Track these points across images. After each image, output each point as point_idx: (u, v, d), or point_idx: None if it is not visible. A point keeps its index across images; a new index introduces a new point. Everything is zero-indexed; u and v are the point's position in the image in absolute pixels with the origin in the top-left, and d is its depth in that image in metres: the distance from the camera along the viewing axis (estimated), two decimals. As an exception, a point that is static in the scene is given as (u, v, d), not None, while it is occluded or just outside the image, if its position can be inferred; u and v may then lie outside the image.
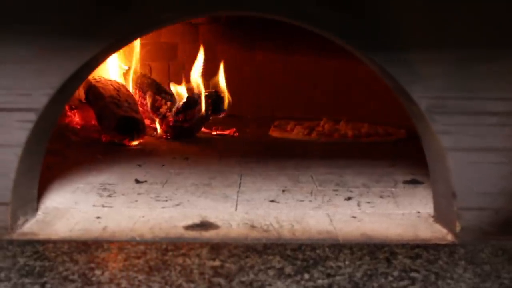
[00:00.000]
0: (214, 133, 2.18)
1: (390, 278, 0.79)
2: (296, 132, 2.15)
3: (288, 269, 0.82)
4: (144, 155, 1.73)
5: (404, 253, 0.89)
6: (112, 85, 2.13)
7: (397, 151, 1.89)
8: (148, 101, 2.12)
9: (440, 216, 1.05)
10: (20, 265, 0.83)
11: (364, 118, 2.28)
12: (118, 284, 0.76)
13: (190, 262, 0.85)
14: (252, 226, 1.02)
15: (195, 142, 2.02)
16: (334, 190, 1.28)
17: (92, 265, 0.83)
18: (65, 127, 1.91)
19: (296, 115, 2.44)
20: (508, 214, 0.97)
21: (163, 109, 2.08)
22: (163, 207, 1.14)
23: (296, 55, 2.64)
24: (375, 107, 2.42)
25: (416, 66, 0.96)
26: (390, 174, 1.44)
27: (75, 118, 2.07)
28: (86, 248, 0.90)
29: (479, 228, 0.96)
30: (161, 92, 2.14)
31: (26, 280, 0.77)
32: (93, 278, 0.78)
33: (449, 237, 0.98)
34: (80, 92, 2.15)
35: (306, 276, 0.80)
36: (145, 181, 1.36)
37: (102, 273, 0.80)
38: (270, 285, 0.77)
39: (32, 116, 0.96)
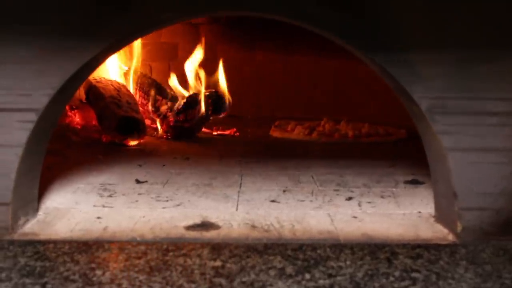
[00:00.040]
0: (214, 133, 2.18)
1: (391, 279, 0.79)
2: (296, 132, 2.15)
3: (289, 269, 0.82)
4: (145, 155, 1.73)
5: (405, 253, 0.89)
6: (112, 85, 2.13)
7: (398, 151, 1.89)
8: (150, 101, 2.12)
9: (441, 216, 1.05)
10: (21, 265, 0.83)
11: (365, 118, 2.28)
12: (119, 285, 0.76)
13: (191, 262, 0.85)
14: (253, 226, 1.02)
15: (195, 142, 2.02)
16: (335, 190, 1.28)
17: (93, 265, 0.83)
18: (65, 127, 1.91)
19: (296, 115, 2.44)
20: (509, 214, 0.97)
21: (163, 109, 2.08)
22: (163, 207, 1.14)
23: (296, 55, 2.64)
24: (375, 107, 2.42)
25: (416, 67, 0.96)
26: (391, 174, 1.44)
27: (76, 118, 2.07)
28: (87, 248, 0.90)
29: (480, 228, 0.96)
30: (161, 92, 2.14)
31: (27, 280, 0.77)
32: (94, 279, 0.78)
33: (450, 237, 0.98)
34: (81, 92, 2.15)
35: (307, 276, 0.80)
36: (146, 181, 1.36)
37: (103, 274, 0.80)
38: (271, 285, 0.77)
39: (33, 116, 0.96)
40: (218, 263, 0.84)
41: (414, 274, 0.81)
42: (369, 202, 1.19)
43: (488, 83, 0.96)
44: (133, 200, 1.19)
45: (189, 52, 2.19)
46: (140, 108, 2.09)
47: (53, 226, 1.01)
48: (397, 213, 1.11)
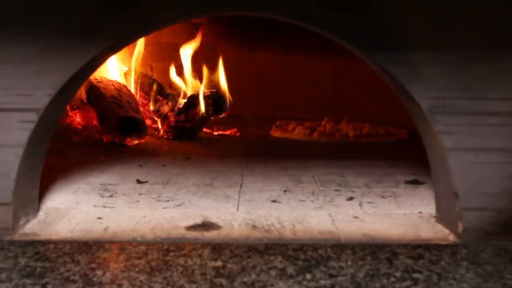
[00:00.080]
0: (215, 133, 2.18)
1: (392, 279, 0.79)
2: (297, 132, 2.15)
3: (290, 270, 0.82)
4: (145, 155, 1.73)
5: (406, 253, 0.89)
6: (113, 85, 2.14)
7: (398, 151, 1.89)
8: (151, 101, 2.12)
9: (442, 216, 1.05)
10: (21, 266, 0.83)
11: (365, 118, 2.28)
12: (120, 285, 0.76)
13: (191, 262, 0.85)
14: (254, 226, 1.02)
15: (196, 142, 2.02)
16: (336, 190, 1.28)
17: (94, 265, 0.83)
18: (66, 127, 1.91)
19: (296, 115, 2.44)
20: (510, 214, 0.96)
21: (164, 109, 2.08)
22: (164, 208, 1.14)
23: (296, 55, 2.64)
24: (376, 107, 2.42)
25: (416, 66, 0.96)
26: (392, 174, 1.44)
27: (76, 118, 2.07)
28: (87, 249, 0.90)
29: (481, 229, 0.96)
30: (162, 92, 2.14)
31: (27, 281, 0.77)
32: (95, 279, 0.78)
33: (451, 238, 0.97)
34: (82, 92, 2.15)
35: (308, 276, 0.80)
36: (147, 182, 1.36)
37: (104, 274, 0.80)
38: (272, 285, 0.77)
39: (33, 117, 0.96)
40: (219, 263, 0.84)
41: (415, 275, 0.81)
42: (370, 202, 1.18)
43: (488, 83, 0.96)
44: (134, 200, 1.19)
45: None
46: (141, 108, 2.09)
47: (53, 227, 1.01)
48: (397, 213, 1.11)
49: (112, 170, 1.48)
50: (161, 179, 1.38)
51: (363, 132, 2.11)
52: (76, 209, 1.12)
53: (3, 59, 0.96)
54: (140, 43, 2.30)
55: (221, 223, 1.04)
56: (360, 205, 1.17)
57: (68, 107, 2.01)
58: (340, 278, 0.79)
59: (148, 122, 2.08)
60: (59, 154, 1.58)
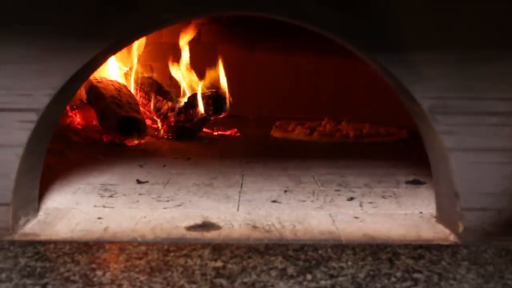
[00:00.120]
0: (215, 133, 2.18)
1: (393, 279, 0.79)
2: (297, 133, 2.15)
3: (291, 270, 0.82)
4: (146, 155, 1.73)
5: (406, 253, 0.89)
6: (113, 86, 2.13)
7: (399, 151, 1.89)
8: (151, 101, 2.11)
9: (443, 216, 1.05)
10: (21, 266, 0.82)
11: (366, 118, 2.27)
12: (120, 285, 0.76)
13: (192, 263, 0.85)
14: (254, 227, 1.02)
15: (196, 142, 2.02)
16: (336, 191, 1.28)
17: (94, 266, 0.83)
18: (66, 128, 1.91)
19: (296, 115, 2.44)
20: (511, 215, 0.96)
21: (164, 109, 2.07)
22: (164, 208, 1.14)
23: (296, 55, 2.64)
24: (375, 107, 2.41)
25: (417, 66, 0.96)
26: (392, 175, 1.44)
27: (76, 118, 2.07)
28: (87, 249, 0.90)
29: (482, 229, 0.96)
30: (162, 92, 2.14)
31: (27, 281, 0.77)
32: (95, 279, 0.78)
33: (452, 238, 0.97)
34: (82, 92, 2.15)
35: (309, 276, 0.80)
36: (147, 182, 1.35)
37: (104, 274, 0.80)
38: (272, 286, 0.77)
39: (33, 117, 0.96)
40: (219, 263, 0.84)
41: (416, 275, 0.81)
42: (370, 203, 1.18)
43: (488, 83, 0.96)
44: (134, 200, 1.19)
45: (190, 52, 2.19)
46: (141, 108, 2.09)
47: (53, 227, 1.01)
48: (398, 214, 1.11)
49: (112, 170, 1.48)
50: (161, 179, 1.38)
51: (363, 132, 2.11)
52: (76, 209, 1.11)
53: (3, 59, 0.96)
54: (141, 43, 2.30)
55: (221, 223, 1.04)
56: (361, 205, 1.17)
57: (68, 107, 2.01)
58: (340, 279, 0.79)
59: (148, 122, 2.08)
60: (59, 154, 1.58)
